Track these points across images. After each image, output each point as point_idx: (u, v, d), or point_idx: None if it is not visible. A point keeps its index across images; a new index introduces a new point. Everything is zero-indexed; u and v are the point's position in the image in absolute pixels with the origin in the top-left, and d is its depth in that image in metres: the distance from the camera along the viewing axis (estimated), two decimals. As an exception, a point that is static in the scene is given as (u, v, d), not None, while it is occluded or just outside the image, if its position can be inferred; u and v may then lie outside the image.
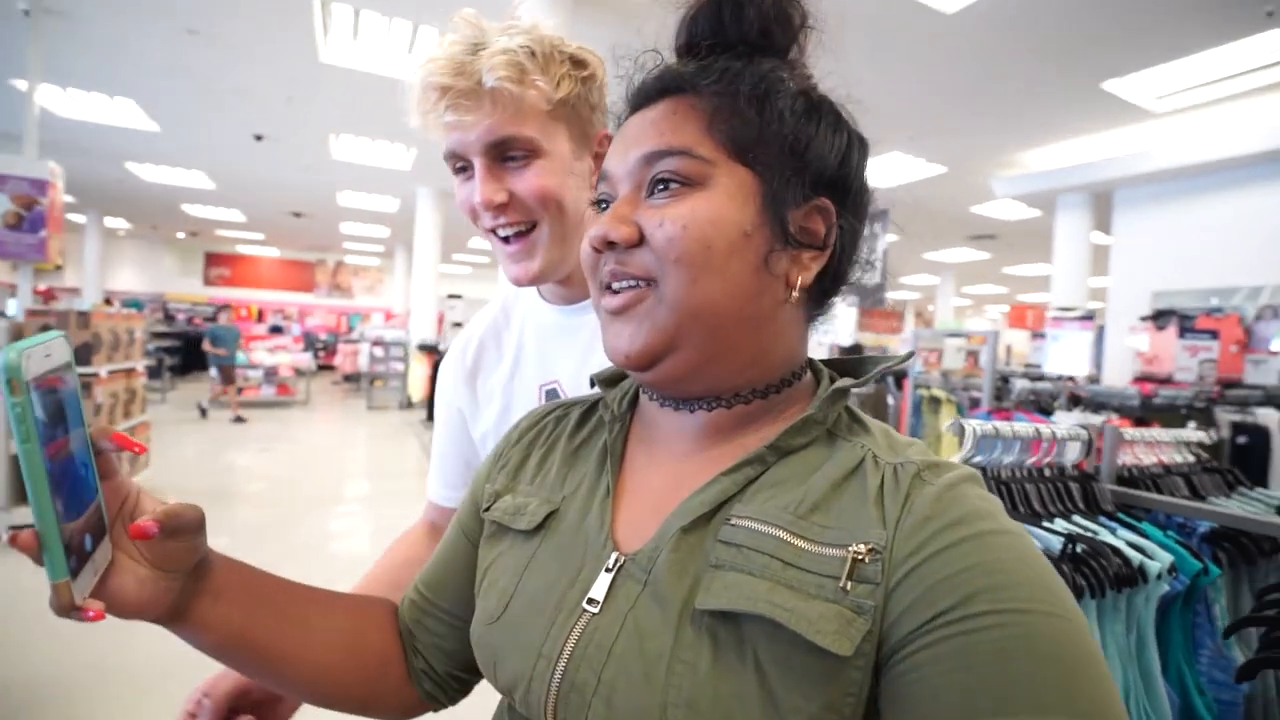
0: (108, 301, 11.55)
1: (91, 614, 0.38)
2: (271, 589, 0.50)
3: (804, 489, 0.39)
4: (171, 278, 15.75)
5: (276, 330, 11.91)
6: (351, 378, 12.44)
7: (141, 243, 15.36)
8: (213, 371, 8.10)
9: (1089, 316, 5.50)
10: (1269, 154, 5.21)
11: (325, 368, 14.43)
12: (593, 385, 0.54)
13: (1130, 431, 1.12)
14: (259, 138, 6.96)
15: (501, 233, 0.66)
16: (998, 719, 0.29)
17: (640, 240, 0.41)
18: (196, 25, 4.44)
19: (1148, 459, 1.19)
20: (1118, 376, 6.01)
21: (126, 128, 6.72)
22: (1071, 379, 4.63)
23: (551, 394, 0.73)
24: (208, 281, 16.15)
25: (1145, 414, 3.29)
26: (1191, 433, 1.25)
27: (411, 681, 0.54)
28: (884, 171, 6.92)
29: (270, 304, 16.44)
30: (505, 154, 0.64)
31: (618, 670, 0.37)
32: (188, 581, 0.44)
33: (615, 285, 0.42)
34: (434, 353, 8.31)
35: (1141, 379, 5.10)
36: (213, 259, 16.23)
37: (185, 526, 0.42)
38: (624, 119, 0.47)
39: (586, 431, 0.53)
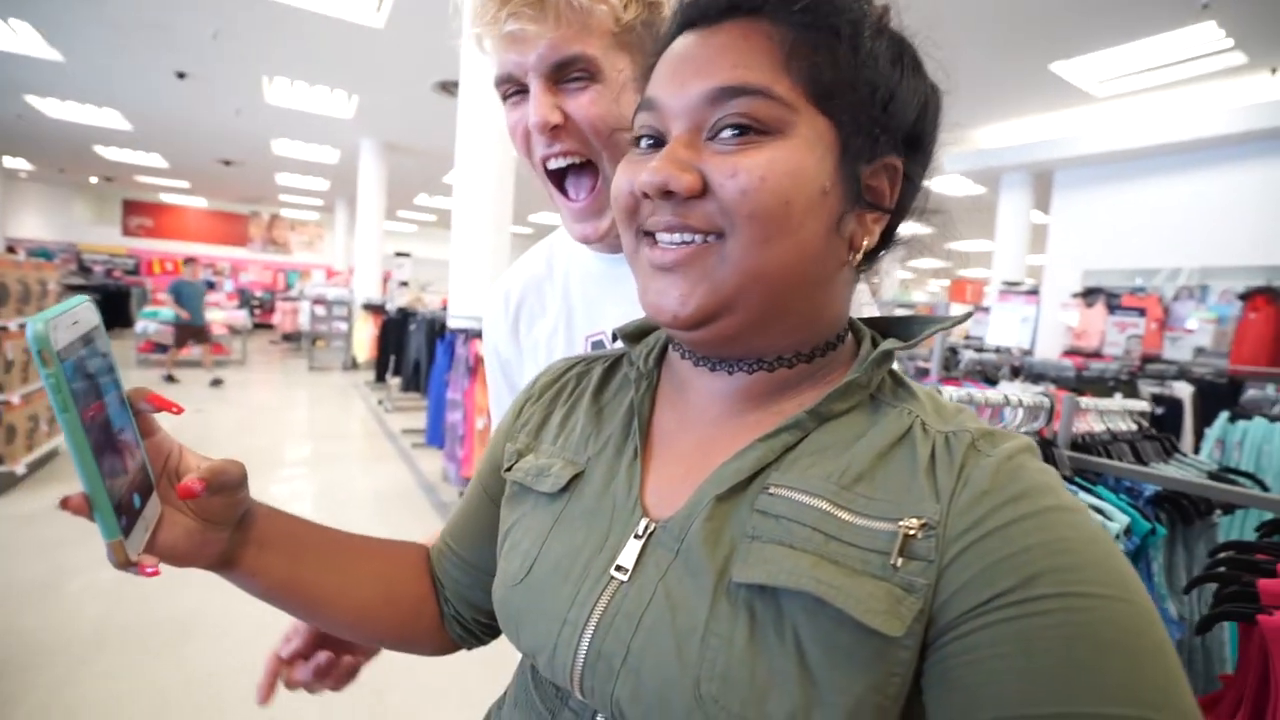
0: (10, 250, 10.58)
1: (149, 570, 0.40)
2: (314, 536, 0.52)
3: (847, 457, 0.37)
4: (85, 227, 14.51)
5: (210, 286, 11.22)
6: (291, 337, 11.90)
7: (48, 187, 14.05)
8: (148, 329, 7.62)
9: (1034, 291, 5.76)
10: (1195, 142, 5.51)
11: (262, 326, 13.74)
12: (614, 340, 0.50)
13: (1086, 401, 1.17)
14: (181, 75, 6.39)
15: (554, 164, 0.61)
16: (1059, 707, 0.28)
17: (704, 190, 0.36)
18: (108, -58, 4.00)
19: (1097, 427, 1.25)
20: (1049, 350, 6.36)
21: (24, 55, 6.04)
22: (1009, 351, 4.86)
23: (598, 345, 0.69)
24: (127, 231, 14.96)
25: (1079, 385, 3.49)
26: (1136, 403, 1.32)
27: (443, 624, 0.56)
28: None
29: (200, 258, 15.43)
30: (565, 76, 0.58)
31: (647, 641, 0.35)
32: (235, 532, 0.46)
33: (665, 238, 0.38)
34: (380, 312, 8.00)
35: (1071, 352, 5.41)
36: (132, 207, 15.01)
37: (228, 483, 0.43)
38: (673, 35, 0.41)
39: (612, 389, 0.50)
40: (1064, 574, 0.30)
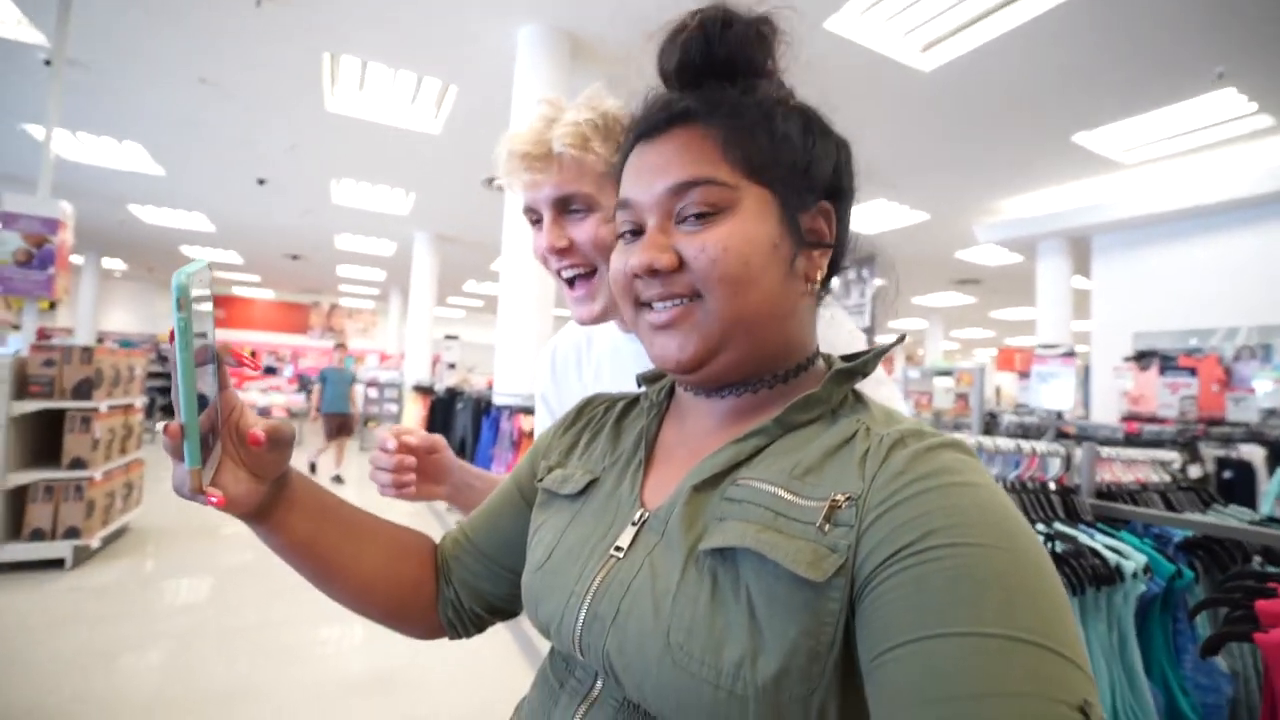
0: (99, 340, 11.53)
1: (215, 499, 0.46)
2: (337, 507, 0.58)
3: (801, 454, 0.44)
4: (164, 319, 15.74)
5: (270, 371, 11.88)
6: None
7: (136, 284, 15.44)
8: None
9: (1071, 353, 5.63)
10: (1233, 203, 5.47)
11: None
12: (639, 384, 0.61)
13: (1107, 450, 1.19)
14: (261, 182, 7.13)
15: (565, 274, 0.77)
16: (941, 629, 0.33)
17: (681, 264, 0.46)
18: (209, 75, 4.62)
19: (1126, 478, 1.25)
20: (1105, 416, 6.12)
21: (133, 171, 6.88)
22: (1059, 415, 4.72)
23: None
24: (201, 323, 16.14)
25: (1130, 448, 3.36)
26: (1164, 453, 1.32)
27: (437, 608, 0.62)
28: (869, 218, 7.17)
29: (264, 345, 16.43)
30: (568, 207, 0.74)
31: (632, 602, 0.43)
32: (272, 488, 0.52)
33: (658, 304, 0.48)
34: (429, 393, 8.31)
35: (1128, 418, 5.20)
36: (207, 301, 16.27)
37: (283, 440, 0.50)
38: (630, 148, 0.51)
39: (631, 417, 0.60)
40: (954, 530, 0.35)
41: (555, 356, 0.95)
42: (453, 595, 0.62)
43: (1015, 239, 7.15)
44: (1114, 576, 0.88)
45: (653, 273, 0.47)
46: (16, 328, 3.58)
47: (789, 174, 0.47)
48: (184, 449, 0.43)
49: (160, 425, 0.44)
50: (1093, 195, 6.29)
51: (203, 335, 0.43)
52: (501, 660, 2.96)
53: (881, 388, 0.69)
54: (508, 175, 0.76)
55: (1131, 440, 3.45)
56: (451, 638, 0.64)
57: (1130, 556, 0.91)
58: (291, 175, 6.85)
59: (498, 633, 3.27)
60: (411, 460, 0.79)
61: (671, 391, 0.58)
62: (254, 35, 4.05)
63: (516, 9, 3.68)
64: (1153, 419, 4.81)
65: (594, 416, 0.63)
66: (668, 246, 0.46)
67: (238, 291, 16.46)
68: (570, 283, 0.77)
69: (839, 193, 0.50)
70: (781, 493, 0.42)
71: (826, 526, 0.39)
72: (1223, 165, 5.40)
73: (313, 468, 7.08)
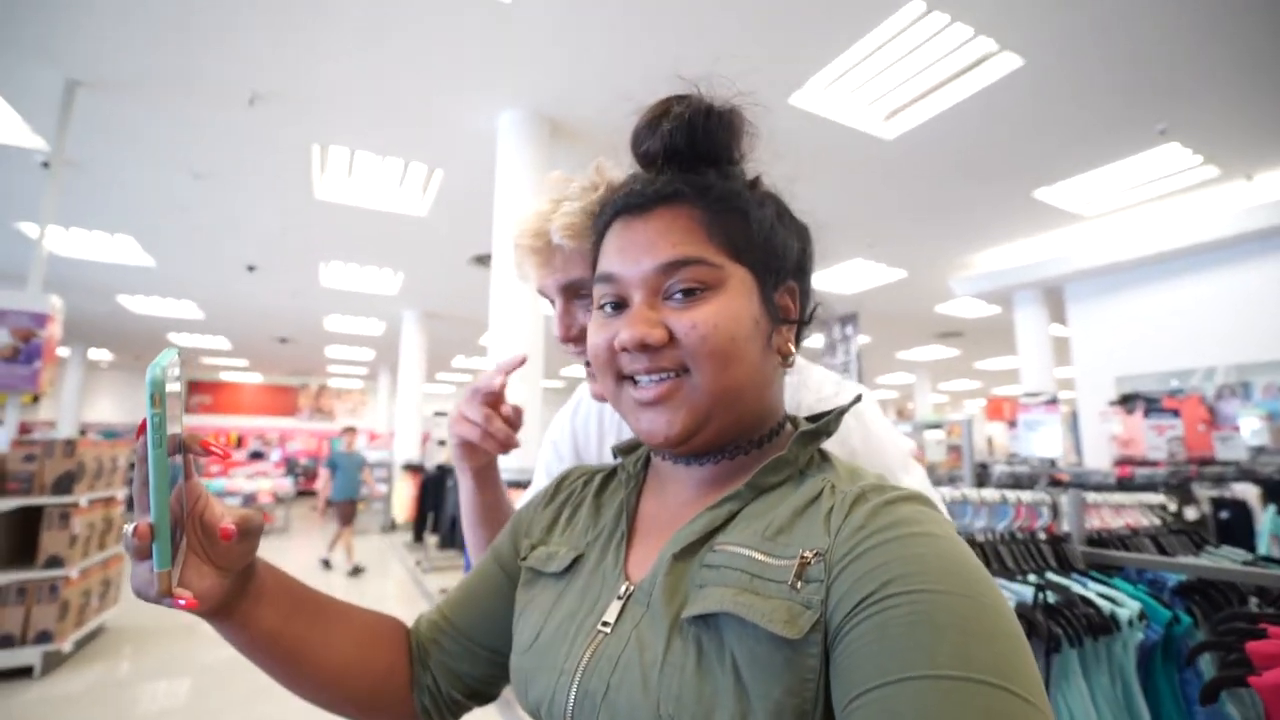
0: (82, 433, 11.34)
1: (182, 601, 0.43)
2: (305, 596, 0.56)
3: (772, 516, 0.46)
4: (150, 408, 15.57)
5: (257, 456, 11.67)
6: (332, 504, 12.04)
7: (122, 373, 15.35)
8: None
9: (1054, 400, 5.69)
10: (1197, 247, 5.69)
11: (305, 493, 14.01)
12: (615, 455, 0.62)
13: (1093, 495, 1.19)
14: (251, 268, 7.25)
15: (576, 357, 0.76)
16: (899, 675, 0.33)
17: (670, 339, 0.47)
18: (201, 169, 4.79)
19: (1115, 523, 1.25)
20: (1098, 461, 6.12)
21: (123, 264, 6.98)
22: (1053, 463, 4.71)
23: None
24: (188, 410, 15.99)
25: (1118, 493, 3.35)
26: (1152, 496, 1.32)
27: (413, 694, 0.59)
28: (849, 277, 7.37)
29: (251, 430, 16.22)
30: (577, 293, 0.74)
31: (621, 676, 0.43)
32: (236, 581, 0.49)
33: (644, 379, 0.48)
34: (420, 471, 8.18)
35: (1121, 462, 5.20)
36: (194, 386, 16.17)
37: (254, 530, 0.48)
38: (608, 223, 0.52)
39: (609, 491, 0.60)
40: (912, 577, 0.36)
41: (578, 413, 0.94)
42: (429, 681, 0.59)
43: (991, 291, 7.35)
44: (1110, 625, 0.87)
45: (643, 347, 0.47)
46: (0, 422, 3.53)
47: (765, 256, 0.50)
48: (153, 549, 0.41)
49: (129, 527, 0.41)
50: (1060, 246, 6.52)
51: (176, 425, 0.43)
52: (497, 753, 2.79)
53: (906, 476, 0.69)
54: (517, 266, 0.77)
55: (1124, 485, 3.44)
56: None
57: (1124, 604, 0.89)
58: (281, 260, 6.98)
59: (487, 715, 3.09)
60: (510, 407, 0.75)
61: (648, 462, 0.59)
62: (245, 129, 4.22)
63: (496, 96, 3.89)
64: (1144, 462, 4.82)
65: (573, 491, 0.63)
66: (658, 322, 0.47)
67: (225, 377, 16.38)
68: (587, 363, 0.77)
69: (802, 272, 0.54)
70: (756, 555, 0.43)
71: (799, 584, 0.40)
72: (1180, 213, 5.66)
73: (326, 564, 6.68)
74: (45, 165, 4.33)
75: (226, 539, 0.45)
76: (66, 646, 3.61)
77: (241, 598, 0.50)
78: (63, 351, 12.28)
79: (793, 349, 0.53)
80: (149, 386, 0.40)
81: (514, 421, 0.76)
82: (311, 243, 6.42)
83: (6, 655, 3.38)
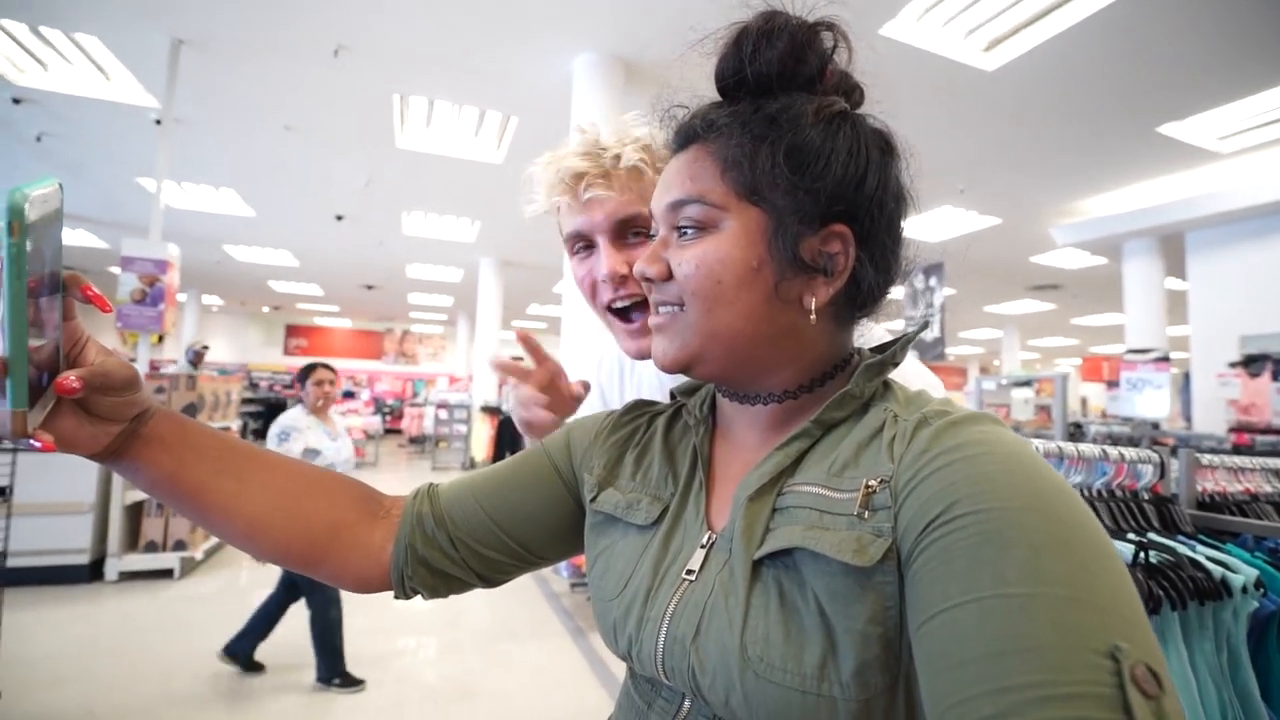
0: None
1: (40, 444, 0.40)
2: (209, 442, 0.54)
3: (838, 452, 0.46)
4: (255, 348, 16.95)
5: (349, 395, 12.52)
6: (417, 440, 12.87)
7: (230, 317, 16.69)
8: None
9: (1165, 358, 5.22)
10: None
11: (392, 431, 15.00)
12: (673, 397, 0.62)
13: (1208, 457, 1.10)
14: (339, 218, 7.61)
15: (618, 305, 0.72)
16: (965, 597, 0.33)
17: (670, 274, 0.49)
18: (292, 122, 5.01)
19: (1233, 488, 1.16)
20: (1210, 427, 5.62)
21: (228, 215, 7.50)
22: (1155, 425, 4.37)
23: None
24: (287, 351, 17.28)
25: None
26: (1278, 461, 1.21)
27: (380, 557, 0.57)
28: (935, 226, 6.93)
29: (343, 371, 17.37)
30: (628, 231, 0.70)
31: (708, 621, 0.44)
32: (128, 427, 0.49)
33: (659, 308, 0.51)
34: (496, 413, 8.56)
35: (1238, 429, 4.75)
36: (292, 330, 17.41)
37: (112, 384, 0.45)
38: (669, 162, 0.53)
39: (676, 435, 0.59)
40: (978, 497, 0.35)
41: (601, 365, 0.95)
42: (427, 551, 0.57)
43: (1097, 240, 6.73)
44: (1220, 591, 0.81)
45: (646, 280, 0.50)
46: (133, 360, 3.95)
47: (786, 194, 0.45)
48: (6, 387, 0.37)
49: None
50: (1185, 189, 5.85)
51: (44, 261, 0.39)
52: (574, 675, 2.99)
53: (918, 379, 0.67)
54: (559, 195, 0.72)
55: (1241, 453, 3.16)
56: (402, 596, 0.59)
57: (1239, 570, 0.83)
58: (366, 210, 7.28)
59: (569, 649, 3.30)
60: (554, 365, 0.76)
61: (714, 403, 0.58)
62: (331, 82, 4.36)
63: (572, 41, 3.82)
64: (1267, 430, 4.39)
65: (637, 429, 0.62)
66: (659, 258, 0.49)
67: (319, 322, 17.52)
68: (624, 314, 0.72)
69: (861, 217, 0.47)
70: (822, 490, 0.44)
71: (865, 513, 0.40)
72: (1335, 150, 4.94)
73: None
74: (158, 122, 4.65)
75: (62, 393, 0.42)
76: (199, 555, 4.10)
77: (131, 440, 0.49)
78: (181, 297, 13.44)
79: (821, 302, 0.47)
80: (6, 214, 0.35)
81: (579, 394, 0.80)
82: (394, 192, 6.64)
83: (153, 559, 3.92)
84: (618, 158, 0.69)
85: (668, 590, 0.48)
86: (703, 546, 0.48)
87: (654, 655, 0.46)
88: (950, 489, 0.37)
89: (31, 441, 0.39)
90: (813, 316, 0.47)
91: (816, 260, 0.47)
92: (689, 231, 0.48)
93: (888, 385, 0.50)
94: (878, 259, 0.48)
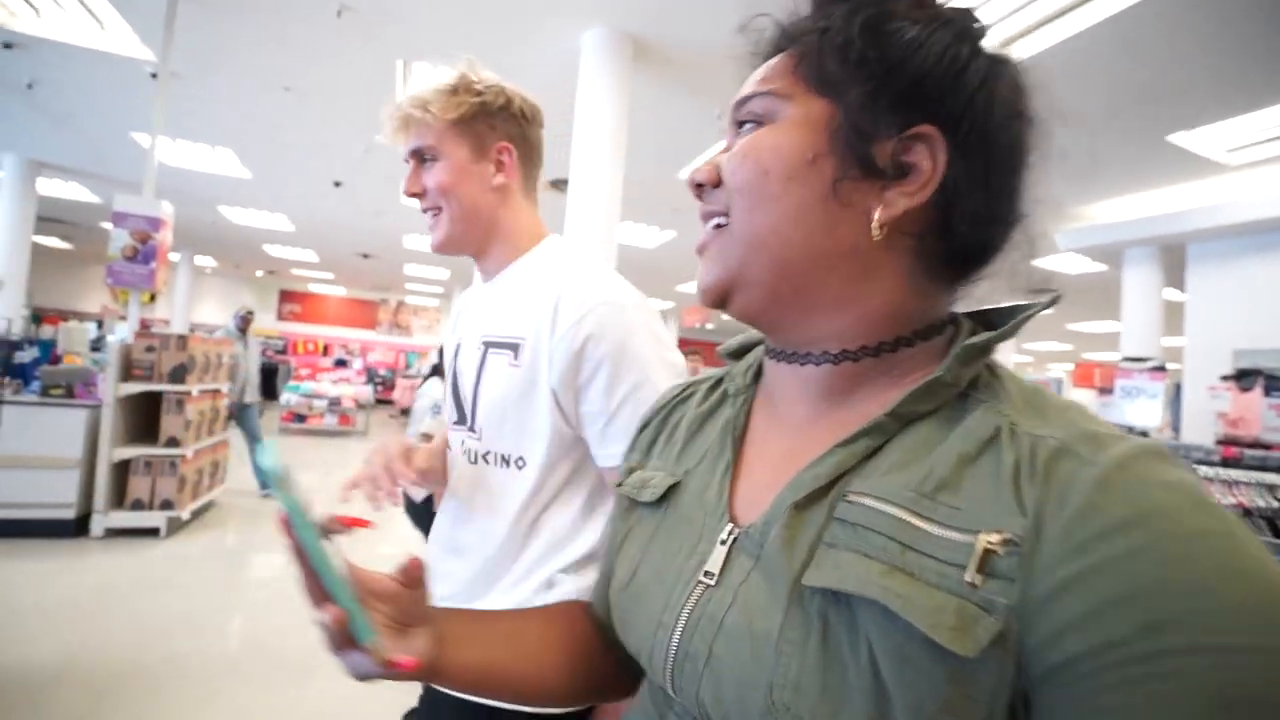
0: (191, 331, 12.39)
1: (408, 661, 0.42)
2: (489, 621, 0.53)
3: (929, 462, 0.35)
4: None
5: (341, 363, 12.46)
6: (407, 411, 12.84)
7: (224, 279, 16.53)
8: (290, 400, 8.24)
9: (1161, 368, 5.24)
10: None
11: (383, 402, 14.97)
12: (720, 357, 0.54)
13: (1203, 470, 1.10)
14: (337, 184, 7.50)
15: (422, 207, 0.93)
16: None
17: (719, 181, 0.42)
18: (292, 83, 4.90)
19: (1226, 501, 1.16)
20: (1198, 438, 5.67)
21: (223, 175, 7.38)
22: (1144, 434, 4.40)
23: (487, 343, 0.93)
24: (280, 316, 17.16)
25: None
26: (1274, 477, 1.21)
27: (620, 667, 0.54)
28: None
29: (336, 339, 17.29)
30: (423, 157, 0.90)
31: (727, 644, 0.37)
32: (431, 632, 0.46)
33: (707, 223, 0.44)
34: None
35: (1226, 441, 4.79)
36: (286, 295, 17.27)
37: (418, 578, 0.46)
38: None
39: (711, 404, 0.52)
40: (1197, 621, 0.25)
41: (464, 297, 1.09)
42: (623, 652, 0.52)
43: (1099, 246, 6.72)
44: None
45: (696, 186, 0.44)
46: (123, 318, 3.89)
47: (861, 86, 0.38)
48: (353, 630, 0.40)
49: (322, 617, 0.40)
50: (1190, 199, 5.85)
51: (308, 513, 0.41)
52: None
53: None
54: (384, 134, 0.92)
55: (1230, 464, 3.18)
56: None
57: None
58: (364, 177, 7.17)
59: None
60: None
61: (759, 374, 0.49)
62: (333, 44, 4.26)
63: (580, 14, 3.74)
64: (1255, 444, 4.43)
65: (673, 407, 0.55)
66: (714, 161, 0.43)
67: (313, 289, 17.38)
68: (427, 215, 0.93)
69: (955, 118, 0.38)
70: (908, 516, 0.33)
71: (977, 578, 0.30)
72: (1342, 167, 4.93)
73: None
74: (154, 76, 4.54)
75: (416, 571, 0.44)
76: (185, 515, 4.09)
77: (440, 647, 0.47)
78: (174, 256, 13.28)
79: (893, 215, 0.38)
80: (271, 472, 0.37)
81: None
82: (393, 161, 6.53)
83: (139, 516, 3.91)
84: (407, 100, 0.89)
85: (681, 590, 0.41)
86: (723, 542, 0.41)
87: (663, 665, 0.41)
88: (1146, 600, 0.26)
89: (401, 664, 0.42)
90: (876, 231, 0.37)
91: (894, 167, 0.38)
92: (747, 126, 0.42)
93: (992, 371, 0.39)
94: (978, 182, 0.38)
